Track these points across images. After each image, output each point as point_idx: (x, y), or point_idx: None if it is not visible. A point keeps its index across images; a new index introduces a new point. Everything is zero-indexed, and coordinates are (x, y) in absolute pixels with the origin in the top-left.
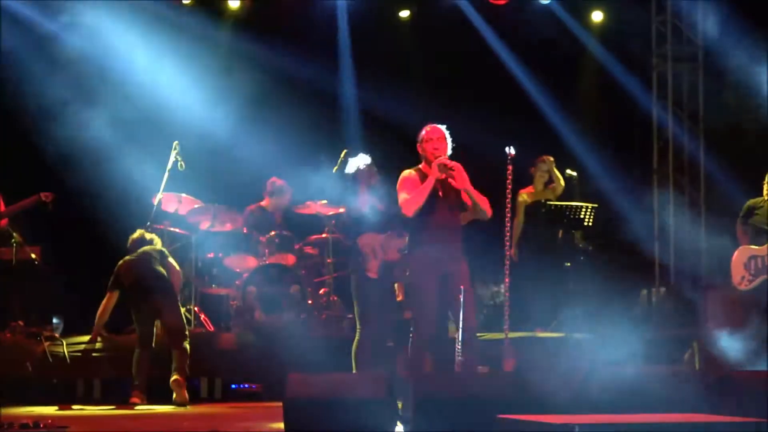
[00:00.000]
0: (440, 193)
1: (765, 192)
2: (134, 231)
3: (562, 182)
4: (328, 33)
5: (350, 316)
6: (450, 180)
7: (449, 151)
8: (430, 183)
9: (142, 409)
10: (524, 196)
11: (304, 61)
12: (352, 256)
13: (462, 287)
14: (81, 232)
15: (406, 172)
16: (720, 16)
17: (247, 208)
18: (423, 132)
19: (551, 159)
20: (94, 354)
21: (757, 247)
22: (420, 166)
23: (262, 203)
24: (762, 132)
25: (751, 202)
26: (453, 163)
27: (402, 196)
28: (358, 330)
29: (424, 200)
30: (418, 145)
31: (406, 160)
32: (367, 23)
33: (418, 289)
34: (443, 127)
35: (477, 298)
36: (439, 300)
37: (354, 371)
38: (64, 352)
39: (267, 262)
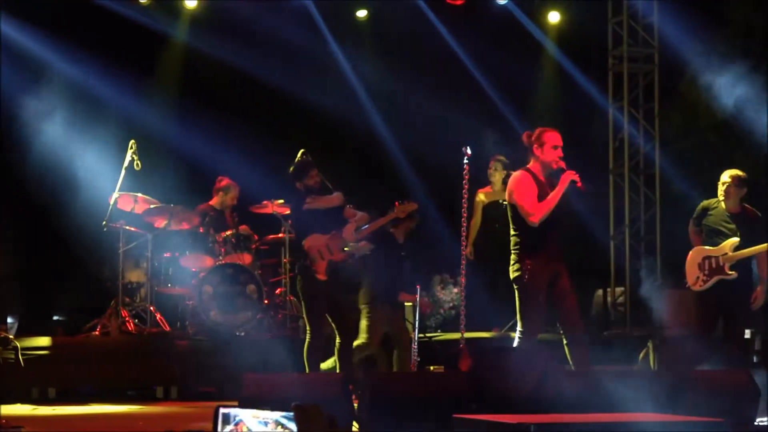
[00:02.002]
0: None
1: (720, 192)
2: (90, 230)
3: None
4: (287, 33)
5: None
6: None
7: None
8: (560, 193)
9: (97, 409)
10: (481, 196)
11: (260, 60)
12: (300, 258)
13: (417, 286)
14: (36, 232)
15: (520, 174)
16: (676, 17)
17: (198, 207)
18: (545, 135)
19: (504, 159)
20: (47, 361)
21: (711, 248)
22: (529, 166)
23: (211, 202)
24: (717, 133)
25: (705, 203)
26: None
27: (526, 201)
28: (308, 331)
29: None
30: (536, 147)
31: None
32: (326, 22)
33: (533, 292)
34: None
35: (437, 301)
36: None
37: (307, 372)
38: (17, 357)
39: (223, 262)
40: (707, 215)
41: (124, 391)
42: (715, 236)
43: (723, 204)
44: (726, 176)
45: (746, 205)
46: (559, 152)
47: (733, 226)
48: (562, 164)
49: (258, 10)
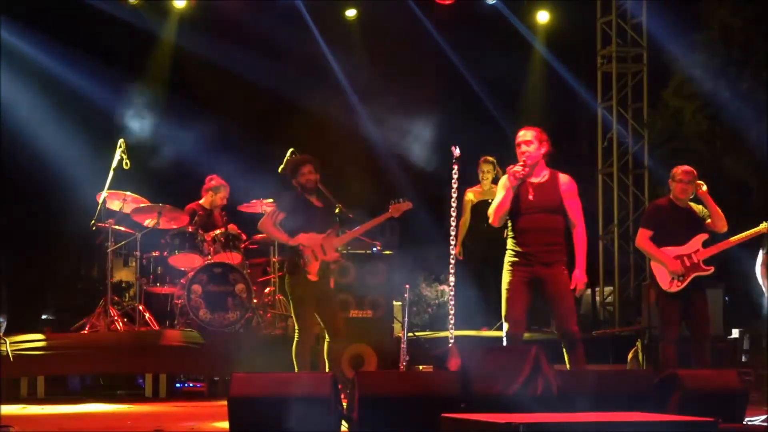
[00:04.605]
0: (530, 197)
1: (676, 189)
2: (78, 229)
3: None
4: (276, 32)
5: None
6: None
7: (543, 150)
8: (508, 194)
9: (86, 408)
10: (470, 195)
11: (249, 59)
12: (292, 257)
13: (407, 286)
14: (25, 230)
15: (503, 179)
16: (664, 17)
17: (187, 207)
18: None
19: (492, 159)
20: (38, 352)
21: (679, 247)
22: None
23: (201, 201)
24: (702, 137)
25: (657, 202)
26: (525, 169)
27: (492, 204)
28: (296, 331)
29: (504, 210)
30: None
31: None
32: (315, 22)
33: (509, 290)
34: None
35: (423, 299)
36: (529, 303)
37: (295, 371)
38: (7, 351)
39: (212, 261)
40: (661, 214)
41: (114, 389)
42: (675, 234)
43: (676, 201)
44: (681, 173)
45: (690, 202)
46: (520, 147)
47: (689, 222)
48: (524, 156)
49: (247, 9)
